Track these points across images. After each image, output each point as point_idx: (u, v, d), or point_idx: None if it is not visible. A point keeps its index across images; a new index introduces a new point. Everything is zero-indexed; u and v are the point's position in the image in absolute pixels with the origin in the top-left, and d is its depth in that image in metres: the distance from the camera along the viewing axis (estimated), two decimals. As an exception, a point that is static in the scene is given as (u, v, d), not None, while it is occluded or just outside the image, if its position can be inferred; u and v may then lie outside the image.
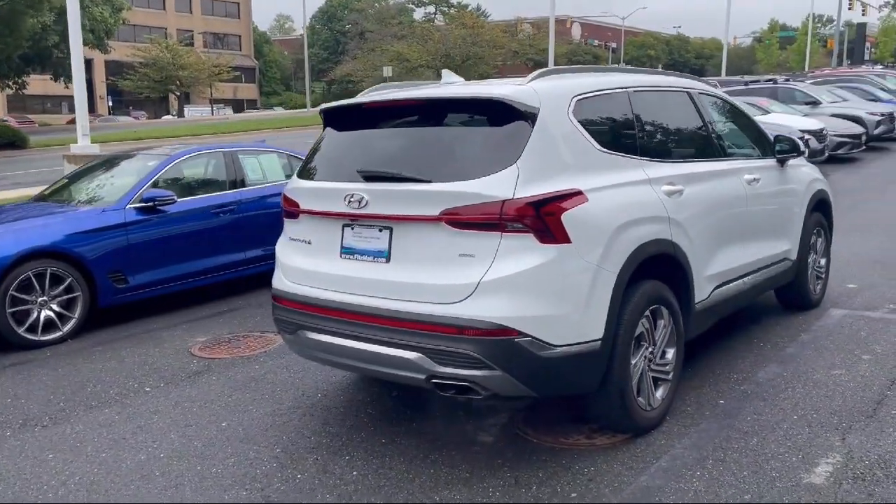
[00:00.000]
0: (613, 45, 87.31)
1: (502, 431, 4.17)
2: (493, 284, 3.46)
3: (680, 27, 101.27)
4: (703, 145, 4.91)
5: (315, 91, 79.72)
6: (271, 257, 7.14)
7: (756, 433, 3.98)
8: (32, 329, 6.08)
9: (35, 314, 6.09)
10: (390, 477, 3.71)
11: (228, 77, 71.05)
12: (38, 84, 57.72)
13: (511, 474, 3.68)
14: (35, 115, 63.90)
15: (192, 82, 68.89)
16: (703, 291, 4.48)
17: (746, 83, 20.68)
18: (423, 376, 3.62)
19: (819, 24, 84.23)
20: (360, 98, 4.44)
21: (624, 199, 3.89)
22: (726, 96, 5.54)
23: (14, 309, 5.98)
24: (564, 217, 3.53)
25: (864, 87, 22.44)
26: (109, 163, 7.95)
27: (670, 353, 4.19)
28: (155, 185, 6.98)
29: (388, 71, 55.84)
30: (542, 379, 3.59)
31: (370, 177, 3.89)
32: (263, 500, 3.56)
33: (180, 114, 69.47)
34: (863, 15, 57.59)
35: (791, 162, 5.73)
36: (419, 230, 3.66)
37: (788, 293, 5.99)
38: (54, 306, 6.19)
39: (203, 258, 7.14)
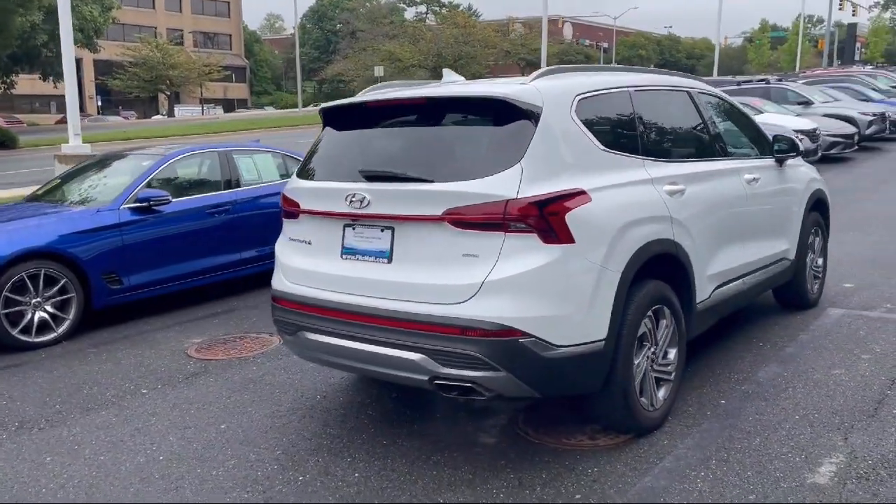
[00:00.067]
0: (605, 44, 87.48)
1: (504, 432, 4.15)
2: (497, 285, 3.43)
3: (671, 27, 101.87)
4: (703, 145, 4.91)
5: (306, 90, 79.51)
6: (267, 258, 7.20)
7: (759, 433, 3.98)
8: (26, 331, 6.02)
9: (29, 315, 6.03)
10: (393, 479, 3.68)
11: (219, 76, 70.84)
12: (27, 83, 57.40)
13: (514, 475, 3.66)
14: (23, 114, 63.45)
15: (182, 82, 68.63)
16: (704, 291, 4.47)
17: (739, 83, 20.76)
18: (425, 377, 3.59)
19: (810, 25, 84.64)
20: (361, 97, 4.41)
21: (626, 198, 3.88)
22: (725, 96, 5.54)
23: (8, 310, 5.92)
24: (568, 217, 3.51)
25: (855, 87, 22.58)
26: (103, 163, 7.88)
27: (672, 353, 4.18)
28: (149, 185, 6.92)
29: (379, 70, 55.78)
30: (546, 379, 3.57)
31: (372, 176, 3.86)
32: (266, 503, 3.53)
33: (170, 113, 69.20)
34: (853, 15, 58.00)
35: (789, 162, 5.74)
36: (422, 230, 3.64)
37: (787, 293, 6.00)
38: (48, 307, 6.13)
39: (198, 259, 7.09)
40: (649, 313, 3.94)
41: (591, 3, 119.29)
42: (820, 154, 15.15)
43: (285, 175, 7.89)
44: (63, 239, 6.24)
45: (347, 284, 3.85)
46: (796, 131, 13.30)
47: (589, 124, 3.90)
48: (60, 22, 13.94)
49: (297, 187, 4.24)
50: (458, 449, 3.96)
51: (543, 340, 3.45)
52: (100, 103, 72.08)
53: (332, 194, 3.94)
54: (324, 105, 4.37)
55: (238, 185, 7.56)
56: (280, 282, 4.26)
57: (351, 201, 3.79)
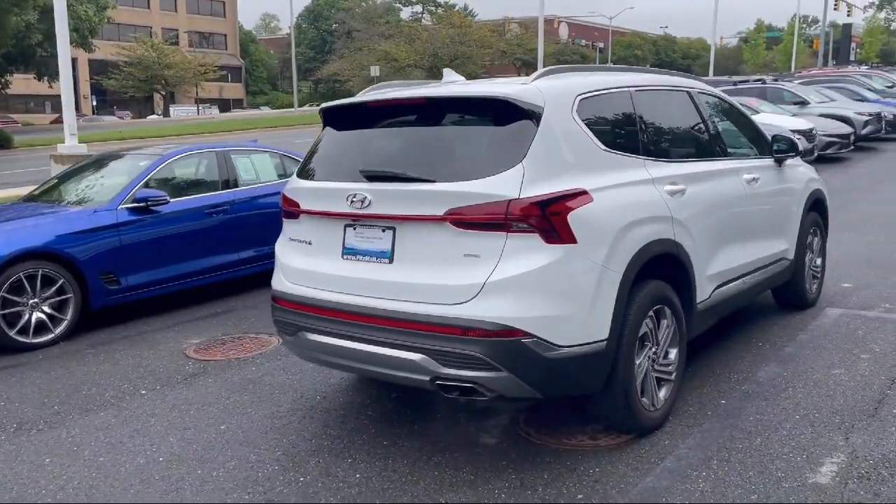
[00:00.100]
0: (601, 45, 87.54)
1: (505, 433, 4.14)
2: (499, 285, 3.43)
3: (667, 27, 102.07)
4: (703, 145, 4.91)
5: (302, 90, 79.48)
6: (265, 258, 7.19)
7: (759, 433, 3.98)
8: (24, 331, 6.00)
9: (26, 316, 6.00)
10: (394, 479, 3.68)
11: (214, 76, 70.71)
12: (21, 83, 57.22)
13: (516, 476, 3.65)
14: (18, 114, 63.28)
15: (178, 81, 68.51)
16: (704, 291, 4.47)
17: (735, 83, 20.77)
18: (427, 378, 3.58)
19: (805, 25, 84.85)
20: (362, 97, 4.40)
21: (628, 198, 3.88)
22: (724, 96, 5.54)
23: (5, 311, 5.89)
24: (570, 217, 3.51)
25: (851, 87, 22.63)
26: (100, 163, 7.86)
27: (673, 354, 4.18)
28: (147, 185, 6.90)
29: (375, 70, 55.74)
30: (548, 380, 3.57)
31: (373, 176, 3.85)
32: (266, 504, 3.52)
33: (166, 113, 69.06)
34: (848, 15, 58.11)
35: (788, 162, 5.74)
36: (423, 230, 3.63)
37: (786, 292, 6.00)
38: (46, 308, 6.10)
39: (196, 259, 7.07)
40: (650, 313, 3.94)
41: (587, 3, 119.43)
42: (816, 154, 15.18)
43: (283, 175, 7.87)
44: (60, 239, 6.21)
45: (348, 285, 3.84)
46: (793, 131, 13.30)
47: (590, 124, 3.90)
48: (56, 23, 13.89)
49: (297, 187, 4.22)
50: (459, 449, 3.96)
51: (545, 341, 3.45)
52: (95, 103, 71.88)
53: (332, 194, 3.93)
54: (324, 105, 4.35)
55: (236, 186, 7.54)
56: (280, 282, 4.24)
57: (352, 201, 3.78)
